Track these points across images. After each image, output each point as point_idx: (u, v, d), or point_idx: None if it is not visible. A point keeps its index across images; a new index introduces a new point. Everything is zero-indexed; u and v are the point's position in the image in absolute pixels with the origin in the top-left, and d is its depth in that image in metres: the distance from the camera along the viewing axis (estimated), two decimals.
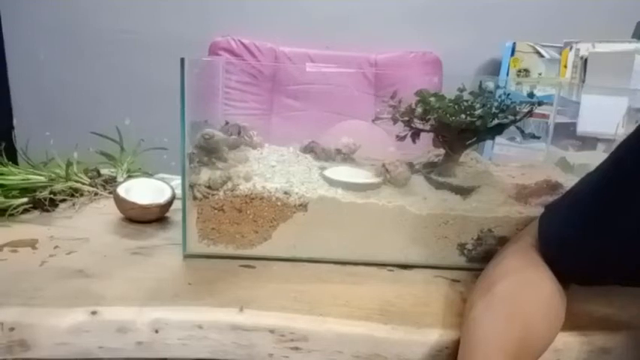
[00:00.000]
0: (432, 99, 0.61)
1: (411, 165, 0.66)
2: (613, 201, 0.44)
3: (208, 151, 0.60)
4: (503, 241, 0.60)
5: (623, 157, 0.44)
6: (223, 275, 0.55)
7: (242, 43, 1.67)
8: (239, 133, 0.67)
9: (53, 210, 0.72)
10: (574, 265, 0.48)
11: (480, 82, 0.64)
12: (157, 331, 0.47)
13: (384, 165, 0.63)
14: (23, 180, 0.73)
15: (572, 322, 0.49)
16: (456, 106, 0.61)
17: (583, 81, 1.48)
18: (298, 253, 0.60)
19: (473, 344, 0.43)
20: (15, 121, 1.78)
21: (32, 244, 0.61)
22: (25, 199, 0.71)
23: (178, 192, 0.67)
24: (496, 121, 0.62)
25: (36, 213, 0.71)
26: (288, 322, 0.48)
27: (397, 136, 0.66)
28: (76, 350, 0.46)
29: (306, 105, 1.59)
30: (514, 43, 1.65)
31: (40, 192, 0.73)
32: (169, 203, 0.70)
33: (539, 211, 0.56)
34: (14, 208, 0.69)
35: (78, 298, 0.49)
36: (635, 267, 0.43)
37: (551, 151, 0.90)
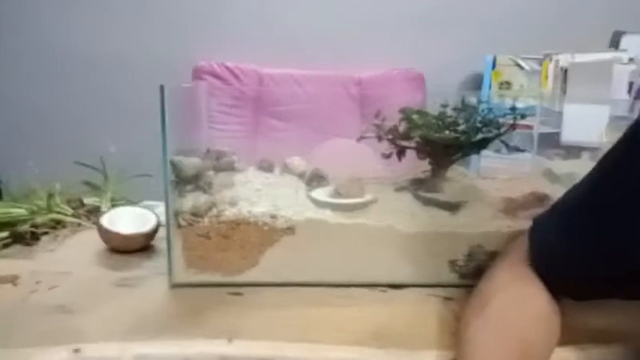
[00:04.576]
0: (416, 116, 0.61)
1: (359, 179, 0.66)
2: (602, 212, 0.44)
3: (182, 179, 0.59)
4: (493, 256, 0.60)
5: (609, 168, 0.44)
6: (211, 304, 0.54)
7: (225, 67, 1.67)
8: (218, 159, 0.66)
9: (35, 243, 0.70)
10: (566, 279, 0.47)
11: (463, 97, 0.65)
12: None
13: (337, 190, 0.63)
14: (3, 214, 0.71)
15: (569, 337, 0.48)
16: (440, 122, 0.61)
17: (564, 91, 1.51)
18: (287, 278, 0.59)
19: None
20: None
21: (13, 279, 0.59)
22: (5, 233, 0.69)
23: (163, 219, 0.66)
24: (480, 136, 0.63)
25: (17, 247, 0.69)
26: (280, 351, 0.46)
27: (383, 155, 0.65)
28: None
29: (291, 125, 1.59)
30: (495, 57, 1.68)
31: (21, 225, 0.71)
32: (154, 232, 0.69)
33: (527, 224, 0.55)
34: None
35: (60, 335, 0.47)
36: (627, 278, 0.43)
37: (537, 161, 0.91)
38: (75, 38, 1.76)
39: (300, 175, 0.69)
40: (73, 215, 0.77)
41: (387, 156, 0.65)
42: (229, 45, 1.78)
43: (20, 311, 0.52)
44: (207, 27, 1.79)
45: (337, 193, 0.63)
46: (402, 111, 0.62)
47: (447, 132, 0.60)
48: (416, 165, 0.70)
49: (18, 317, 0.51)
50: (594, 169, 0.46)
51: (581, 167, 0.64)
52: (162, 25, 1.78)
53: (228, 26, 1.80)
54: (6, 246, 0.69)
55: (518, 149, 0.65)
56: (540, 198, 0.64)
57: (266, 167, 0.70)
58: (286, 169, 0.70)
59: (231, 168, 0.67)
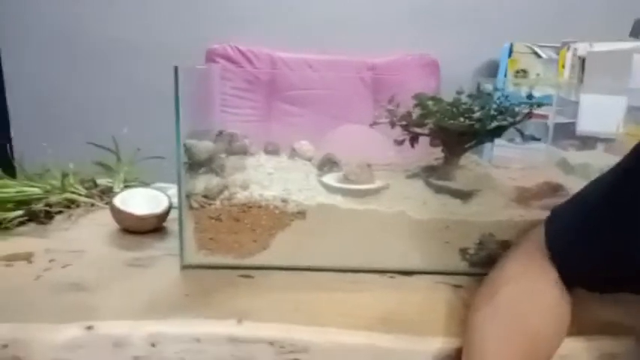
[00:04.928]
0: (430, 102, 0.60)
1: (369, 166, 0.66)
2: (622, 208, 0.43)
3: (195, 162, 0.59)
4: (505, 245, 0.59)
5: (633, 165, 0.43)
6: (221, 286, 0.55)
7: (239, 50, 1.66)
8: (230, 142, 0.66)
9: (49, 222, 0.71)
10: (581, 271, 0.47)
11: (478, 84, 0.64)
12: (153, 345, 0.46)
13: (345, 176, 0.63)
14: (18, 192, 0.72)
15: (578, 328, 0.48)
16: (455, 109, 0.60)
17: (581, 81, 1.48)
18: (297, 262, 0.59)
19: (476, 357, 0.42)
20: (12, 133, 1.78)
21: (27, 257, 0.60)
22: (20, 212, 0.70)
23: (175, 201, 0.67)
24: (495, 124, 0.62)
25: (31, 225, 0.70)
26: (288, 333, 0.47)
27: (395, 141, 0.65)
28: None
29: (303, 110, 1.58)
30: (511, 44, 1.65)
31: (36, 204, 0.72)
32: (166, 213, 0.69)
33: (540, 213, 0.55)
34: (9, 221, 0.68)
35: (73, 312, 0.48)
36: None
37: (551, 151, 0.89)
38: (88, 21, 1.76)
39: (309, 160, 0.69)
40: (86, 195, 0.77)
41: (400, 142, 0.64)
42: (242, 28, 1.77)
43: (34, 288, 0.53)
44: (220, 10, 1.78)
45: (346, 179, 0.62)
46: (416, 97, 0.61)
47: (462, 119, 0.59)
48: (428, 152, 0.70)
49: (32, 294, 0.51)
50: (617, 165, 0.45)
51: (596, 158, 0.63)
52: (175, 8, 1.78)
53: (241, 9, 1.78)
54: (21, 224, 0.70)
55: (533, 138, 0.64)
56: (554, 188, 0.64)
57: (272, 151, 0.70)
58: (294, 153, 0.69)
59: (243, 151, 0.67)
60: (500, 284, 0.48)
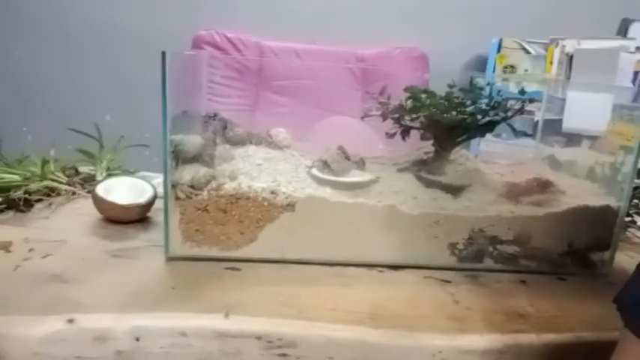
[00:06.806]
0: (423, 95, 0.59)
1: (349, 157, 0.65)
2: None
3: (184, 158, 0.57)
4: (494, 241, 0.59)
5: None
6: (208, 279, 0.53)
7: (226, 37, 1.63)
8: (225, 127, 0.65)
9: (28, 210, 0.69)
10: None
11: (471, 78, 0.63)
12: (137, 339, 0.45)
13: (325, 162, 0.62)
14: None
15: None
16: (447, 103, 0.60)
17: (568, 78, 1.49)
18: (286, 255, 0.58)
19: None
20: None
21: (6, 246, 0.58)
22: None
23: (160, 190, 0.65)
24: (487, 118, 0.61)
25: (10, 213, 0.68)
26: (276, 327, 0.46)
27: (387, 134, 0.64)
28: None
29: (291, 101, 1.56)
30: (500, 40, 1.65)
31: (15, 191, 0.69)
32: (151, 203, 0.67)
33: (530, 210, 0.54)
34: None
35: (54, 304, 0.46)
36: None
37: (537, 147, 0.90)
38: (72, 6, 1.71)
39: (279, 147, 0.67)
40: (67, 183, 0.75)
41: (391, 135, 0.64)
42: (230, 15, 1.74)
43: (13, 279, 0.51)
44: None
45: (326, 167, 0.61)
46: (409, 89, 0.60)
47: (454, 113, 0.58)
48: (418, 145, 0.69)
49: (10, 285, 0.50)
50: None
51: (582, 155, 0.63)
52: None
53: None
54: None
55: (525, 134, 0.64)
56: (544, 184, 0.64)
57: (256, 141, 0.68)
58: (269, 140, 0.68)
59: (241, 141, 0.65)
60: None
